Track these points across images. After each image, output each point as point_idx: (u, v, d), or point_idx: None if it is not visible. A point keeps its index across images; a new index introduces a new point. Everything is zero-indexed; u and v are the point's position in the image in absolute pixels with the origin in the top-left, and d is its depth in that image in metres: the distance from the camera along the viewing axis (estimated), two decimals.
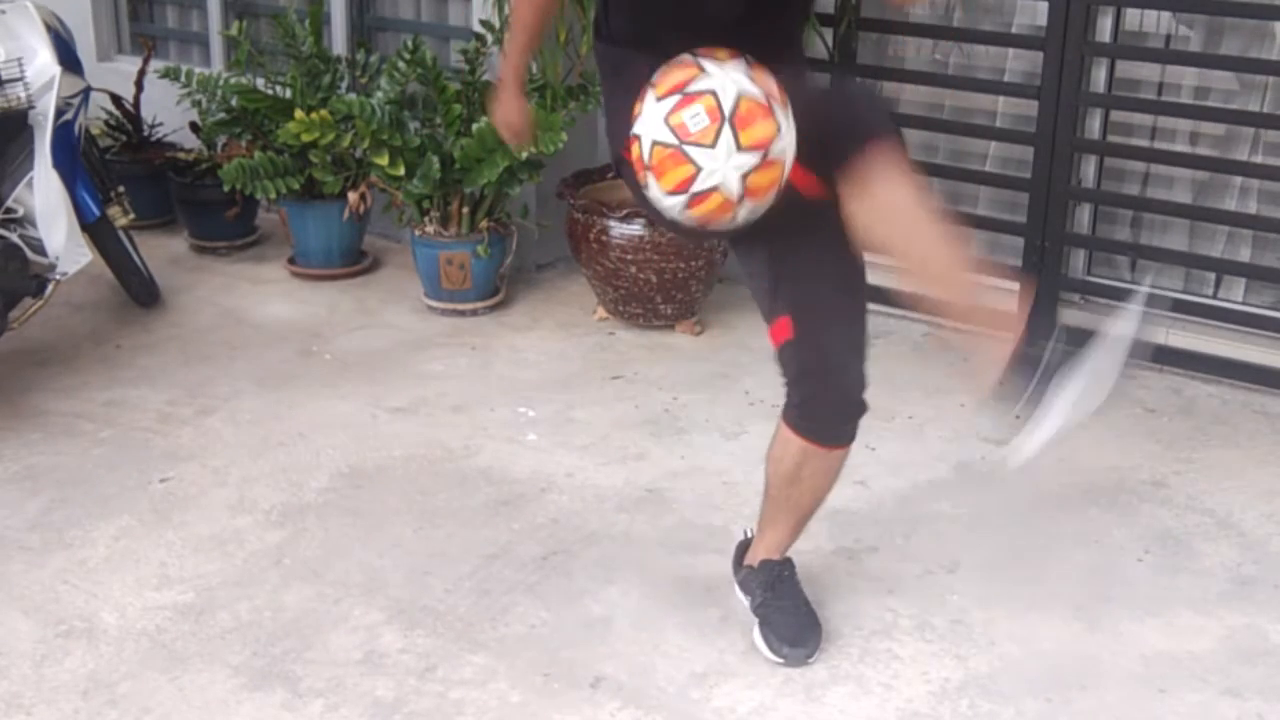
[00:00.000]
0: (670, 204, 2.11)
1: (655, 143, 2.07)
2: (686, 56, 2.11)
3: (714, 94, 2.05)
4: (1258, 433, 3.50)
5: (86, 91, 3.86)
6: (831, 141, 2.16)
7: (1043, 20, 3.85)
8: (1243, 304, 3.88)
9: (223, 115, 4.53)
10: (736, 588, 2.66)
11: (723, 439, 3.43)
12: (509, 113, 2.60)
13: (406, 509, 3.09)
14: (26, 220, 3.62)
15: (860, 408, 2.47)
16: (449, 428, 3.48)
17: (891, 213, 2.19)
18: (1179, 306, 3.87)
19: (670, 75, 2.10)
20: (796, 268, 2.40)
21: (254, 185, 4.28)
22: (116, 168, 4.46)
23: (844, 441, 2.50)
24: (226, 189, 4.34)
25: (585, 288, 4.27)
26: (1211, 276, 3.92)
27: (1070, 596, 2.76)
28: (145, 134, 4.93)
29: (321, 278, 4.52)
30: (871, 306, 4.10)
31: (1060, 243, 3.94)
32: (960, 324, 2.36)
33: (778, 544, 2.62)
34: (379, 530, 3.00)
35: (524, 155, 3.92)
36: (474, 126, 3.99)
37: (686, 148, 2.05)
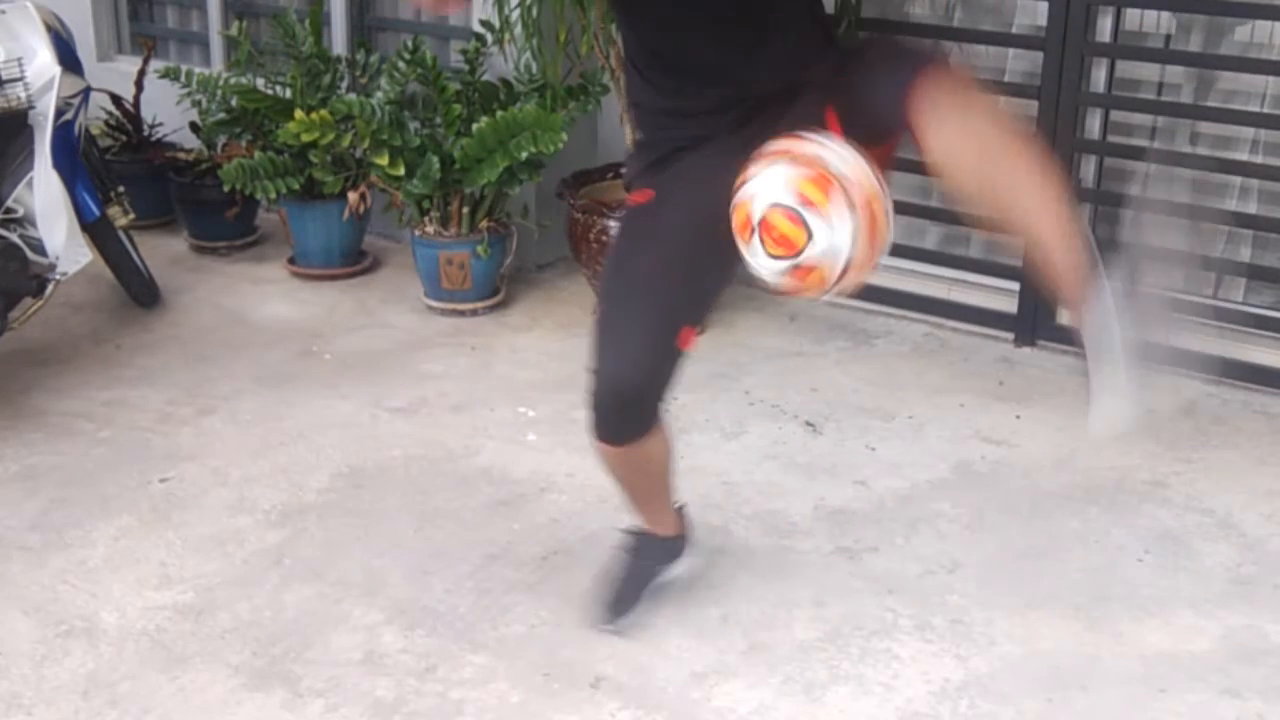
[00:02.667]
0: (770, 267, 2.08)
1: (775, 205, 2.04)
2: (813, 135, 2.09)
3: (842, 181, 2.03)
4: (1258, 433, 3.50)
5: (86, 91, 3.86)
6: (881, 103, 2.09)
7: (1043, 20, 3.85)
8: (1243, 304, 3.88)
9: (223, 115, 4.53)
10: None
11: (723, 439, 3.43)
12: None
13: (406, 509, 3.09)
14: (26, 220, 3.62)
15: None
16: (449, 428, 3.48)
17: (969, 142, 2.06)
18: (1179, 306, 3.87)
19: (800, 146, 2.07)
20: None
21: (254, 185, 4.28)
22: (116, 168, 4.45)
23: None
24: (226, 189, 4.34)
25: (585, 288, 4.27)
26: (1211, 276, 3.92)
27: (1070, 596, 2.76)
28: (145, 134, 4.93)
29: (321, 278, 4.52)
30: (871, 306, 4.17)
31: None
32: (1058, 267, 2.22)
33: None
34: (379, 530, 3.00)
35: (524, 155, 3.92)
36: (474, 126, 3.99)
37: (809, 216, 2.02)
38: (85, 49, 4.41)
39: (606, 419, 2.41)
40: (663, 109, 2.36)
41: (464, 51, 4.22)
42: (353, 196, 4.37)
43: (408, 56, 4.24)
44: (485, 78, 4.23)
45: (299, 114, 4.17)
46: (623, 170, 2.46)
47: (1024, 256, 2.21)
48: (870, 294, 4.16)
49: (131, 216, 4.15)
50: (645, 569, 2.68)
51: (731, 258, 2.16)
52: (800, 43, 2.31)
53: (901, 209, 2.51)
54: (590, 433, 2.45)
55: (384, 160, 4.09)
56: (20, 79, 3.55)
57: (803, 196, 2.01)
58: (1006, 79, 4.07)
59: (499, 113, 3.98)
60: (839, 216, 2.02)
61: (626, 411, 2.41)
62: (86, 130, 3.94)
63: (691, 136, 2.32)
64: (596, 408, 2.42)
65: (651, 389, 2.40)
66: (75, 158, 3.77)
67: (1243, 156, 3.82)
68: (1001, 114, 2.15)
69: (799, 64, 2.27)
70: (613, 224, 3.97)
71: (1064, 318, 2.30)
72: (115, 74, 5.11)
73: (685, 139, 2.33)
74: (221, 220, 4.68)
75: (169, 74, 4.54)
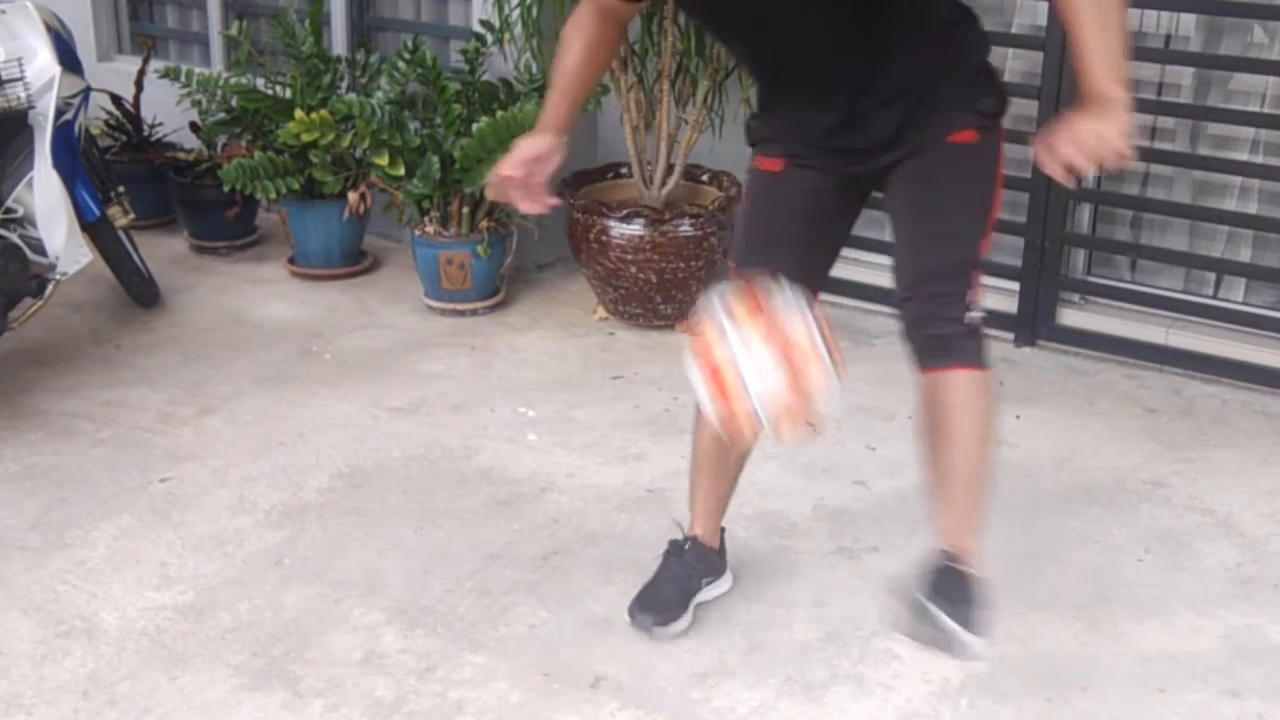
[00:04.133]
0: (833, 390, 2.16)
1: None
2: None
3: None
4: (1258, 433, 3.50)
5: (86, 91, 3.86)
6: (913, 319, 2.28)
7: (1043, 20, 3.85)
8: (1243, 304, 3.88)
9: (223, 115, 4.53)
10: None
11: None
12: (523, 150, 2.39)
13: (406, 509, 3.09)
14: (26, 220, 3.62)
15: None
16: (449, 428, 3.48)
17: (945, 422, 2.27)
18: (1179, 306, 3.88)
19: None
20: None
21: (254, 185, 4.28)
22: (116, 168, 4.45)
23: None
24: (226, 189, 4.34)
25: (585, 288, 4.27)
26: (1211, 276, 3.92)
27: (1070, 596, 2.76)
28: (145, 134, 4.93)
29: (321, 278, 4.52)
30: (871, 306, 4.17)
31: (1060, 243, 3.94)
32: (938, 528, 2.32)
33: None
34: (379, 530, 3.00)
35: None
36: (474, 126, 3.99)
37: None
38: (85, 49, 4.42)
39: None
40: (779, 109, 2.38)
41: (464, 51, 4.22)
42: (353, 196, 4.37)
43: (408, 56, 4.24)
44: (485, 78, 4.23)
45: (299, 114, 4.17)
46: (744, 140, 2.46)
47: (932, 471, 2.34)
48: (870, 294, 4.17)
49: (131, 216, 4.15)
50: (687, 576, 2.66)
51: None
52: (927, 53, 2.26)
53: None
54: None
55: (384, 160, 4.10)
56: (20, 79, 3.55)
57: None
58: (1006, 79, 4.06)
59: (499, 113, 3.98)
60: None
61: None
62: (86, 130, 3.94)
63: (807, 140, 2.34)
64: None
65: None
66: (75, 158, 3.77)
67: (1243, 156, 3.82)
68: (986, 428, 2.30)
69: (918, 79, 2.25)
70: (613, 224, 3.97)
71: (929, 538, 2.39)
72: (115, 74, 5.11)
73: (801, 144, 2.35)
74: (221, 220, 4.68)
75: (169, 74, 4.55)
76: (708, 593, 2.70)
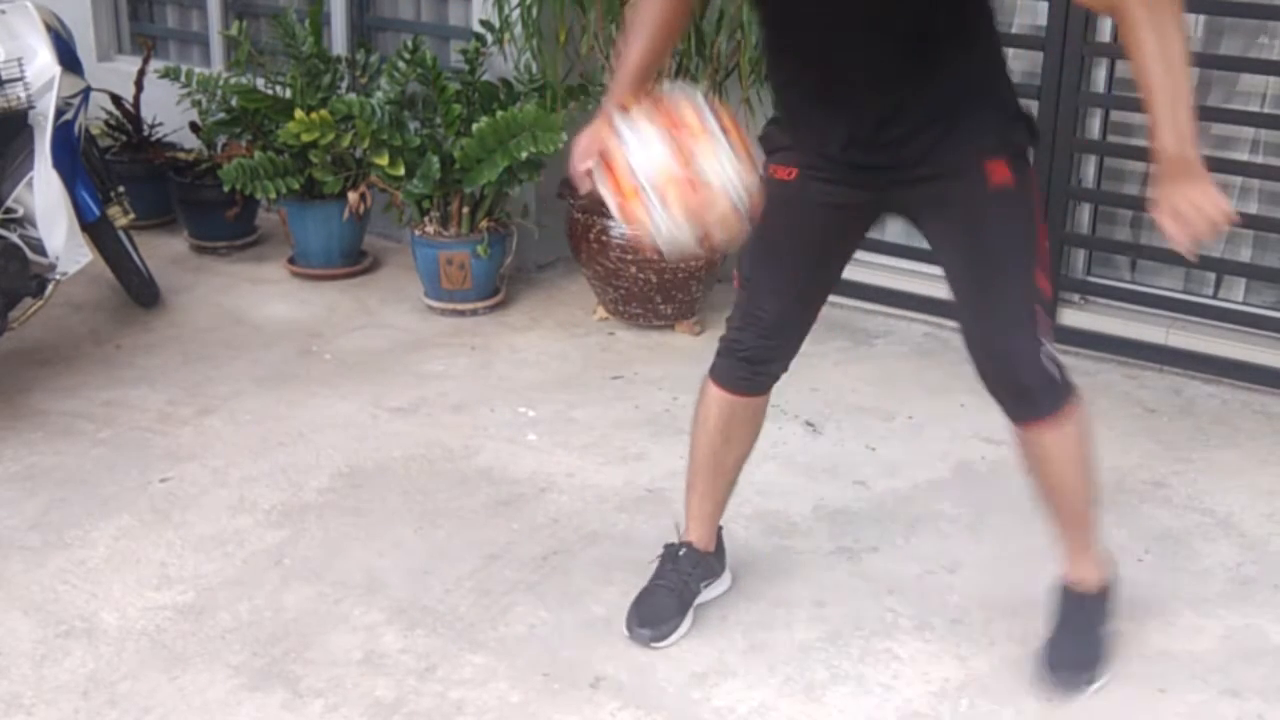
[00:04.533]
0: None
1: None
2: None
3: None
4: (1258, 433, 3.50)
5: (86, 91, 3.86)
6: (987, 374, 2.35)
7: (1043, 20, 3.85)
8: (1243, 304, 3.88)
9: (223, 115, 4.53)
10: None
11: None
12: (594, 139, 2.29)
13: (406, 509, 3.09)
14: (26, 220, 3.62)
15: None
16: (449, 428, 3.48)
17: (1048, 471, 2.43)
18: (1179, 306, 3.88)
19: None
20: None
21: (254, 185, 4.28)
22: (116, 168, 4.45)
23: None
24: (226, 189, 4.34)
25: (585, 288, 4.27)
26: (1211, 276, 3.92)
27: None
28: (145, 134, 4.93)
29: (321, 278, 4.52)
30: (871, 306, 4.17)
31: (1060, 243, 3.94)
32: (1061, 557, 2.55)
33: None
34: (379, 530, 3.00)
35: (524, 155, 3.92)
36: (474, 126, 3.99)
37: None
38: (85, 49, 4.42)
39: (742, 350, 2.52)
40: (801, 117, 2.37)
41: (464, 51, 4.22)
42: (353, 196, 4.37)
43: (408, 56, 4.24)
44: (485, 78, 4.23)
45: (299, 114, 4.17)
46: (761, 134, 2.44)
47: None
48: (870, 294, 4.17)
49: (131, 216, 4.15)
50: (684, 583, 2.65)
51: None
52: (957, 82, 2.23)
53: None
54: (712, 374, 2.56)
55: (384, 160, 4.10)
56: (20, 79, 3.55)
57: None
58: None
59: (499, 113, 3.99)
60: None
61: (765, 348, 2.51)
62: (86, 130, 3.94)
63: (823, 157, 2.32)
64: (736, 341, 2.52)
65: (792, 339, 2.55)
66: (75, 158, 3.77)
67: (1243, 156, 3.82)
68: (1086, 461, 2.44)
69: (952, 107, 2.23)
70: (613, 224, 3.97)
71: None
72: (115, 74, 5.11)
73: (819, 156, 2.33)
74: (221, 220, 4.68)
75: (169, 74, 4.55)
76: (707, 594, 2.70)
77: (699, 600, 2.67)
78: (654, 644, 2.57)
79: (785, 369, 2.57)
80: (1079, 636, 2.51)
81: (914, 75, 2.18)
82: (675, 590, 2.63)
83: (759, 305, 2.48)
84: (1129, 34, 2.02)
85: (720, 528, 2.75)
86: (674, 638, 2.59)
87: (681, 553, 2.67)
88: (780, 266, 2.44)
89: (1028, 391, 2.32)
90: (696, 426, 2.60)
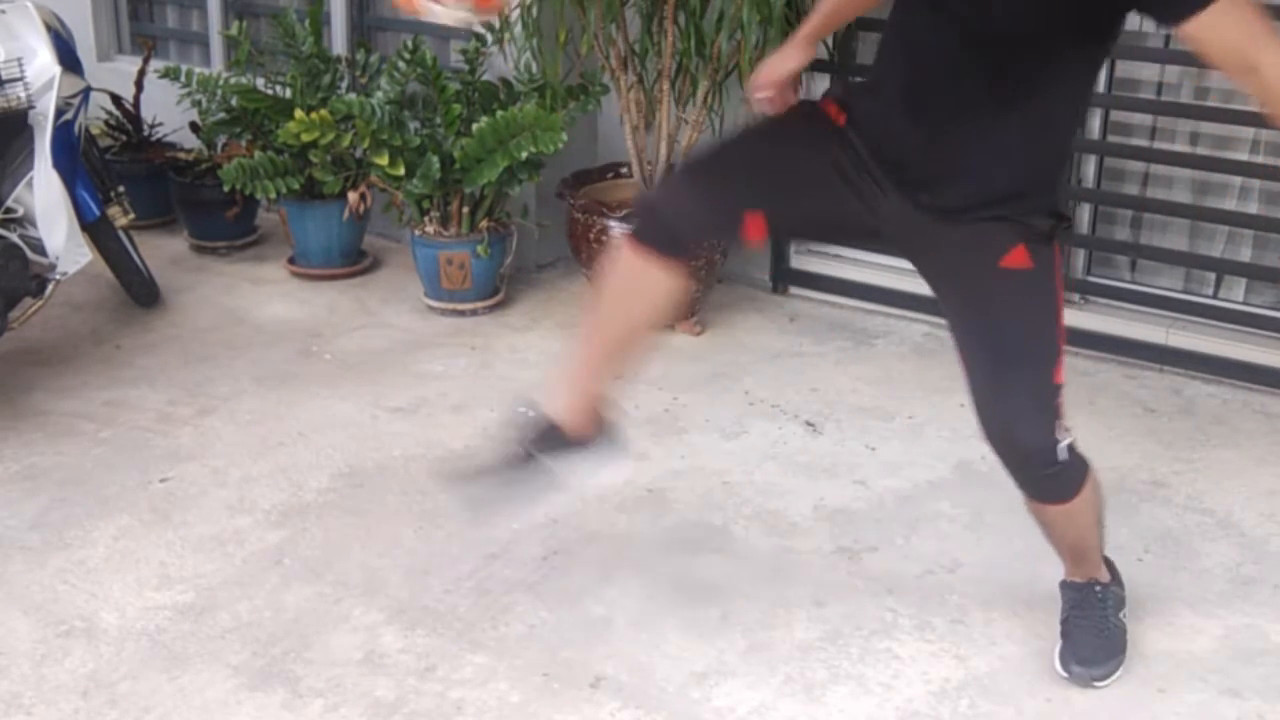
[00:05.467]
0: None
1: None
2: None
3: None
4: (1258, 433, 3.50)
5: (86, 91, 3.86)
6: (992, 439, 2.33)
7: None
8: (1243, 304, 3.88)
9: (223, 115, 4.53)
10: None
11: (722, 439, 3.43)
12: (775, 68, 2.36)
13: (406, 509, 3.09)
14: (26, 220, 3.61)
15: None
16: (449, 428, 3.48)
17: (1062, 534, 2.50)
18: (1179, 306, 3.87)
19: None
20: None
21: (254, 185, 4.28)
22: (116, 168, 4.45)
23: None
24: (226, 189, 4.34)
25: (585, 288, 4.27)
26: (1211, 276, 3.92)
27: None
28: (145, 134, 4.93)
29: (321, 278, 4.52)
30: (871, 306, 4.17)
31: (1060, 242, 3.93)
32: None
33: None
34: (379, 530, 3.00)
35: (524, 155, 3.92)
36: (474, 126, 3.99)
37: None
38: (85, 49, 4.41)
39: (650, 216, 2.27)
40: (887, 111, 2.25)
41: (464, 51, 4.22)
42: (353, 196, 4.37)
43: (408, 56, 4.24)
44: (485, 78, 4.23)
45: (299, 114, 4.17)
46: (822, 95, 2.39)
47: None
48: (870, 294, 4.17)
49: (131, 216, 4.15)
50: (525, 452, 2.39)
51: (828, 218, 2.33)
52: (1037, 157, 2.21)
53: None
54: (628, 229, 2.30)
55: (384, 160, 4.09)
56: (20, 79, 3.55)
57: None
58: None
59: (499, 113, 3.98)
60: None
61: (672, 219, 2.23)
62: (86, 130, 3.94)
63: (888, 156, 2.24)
64: (669, 188, 2.41)
65: (701, 224, 2.27)
66: (75, 158, 3.77)
67: (1243, 156, 3.82)
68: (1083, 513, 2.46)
69: (1022, 177, 2.19)
70: (613, 224, 3.97)
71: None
72: (115, 74, 5.11)
73: (884, 151, 2.24)
74: (221, 220, 4.68)
75: (169, 74, 4.54)
76: (564, 467, 2.42)
77: (542, 465, 2.43)
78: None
79: (698, 247, 2.43)
80: (1101, 629, 2.54)
81: (998, 121, 2.13)
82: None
83: (719, 171, 2.28)
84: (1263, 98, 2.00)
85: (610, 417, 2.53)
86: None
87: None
88: (767, 154, 2.28)
89: (1040, 479, 2.34)
90: (600, 290, 2.39)
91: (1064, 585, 2.60)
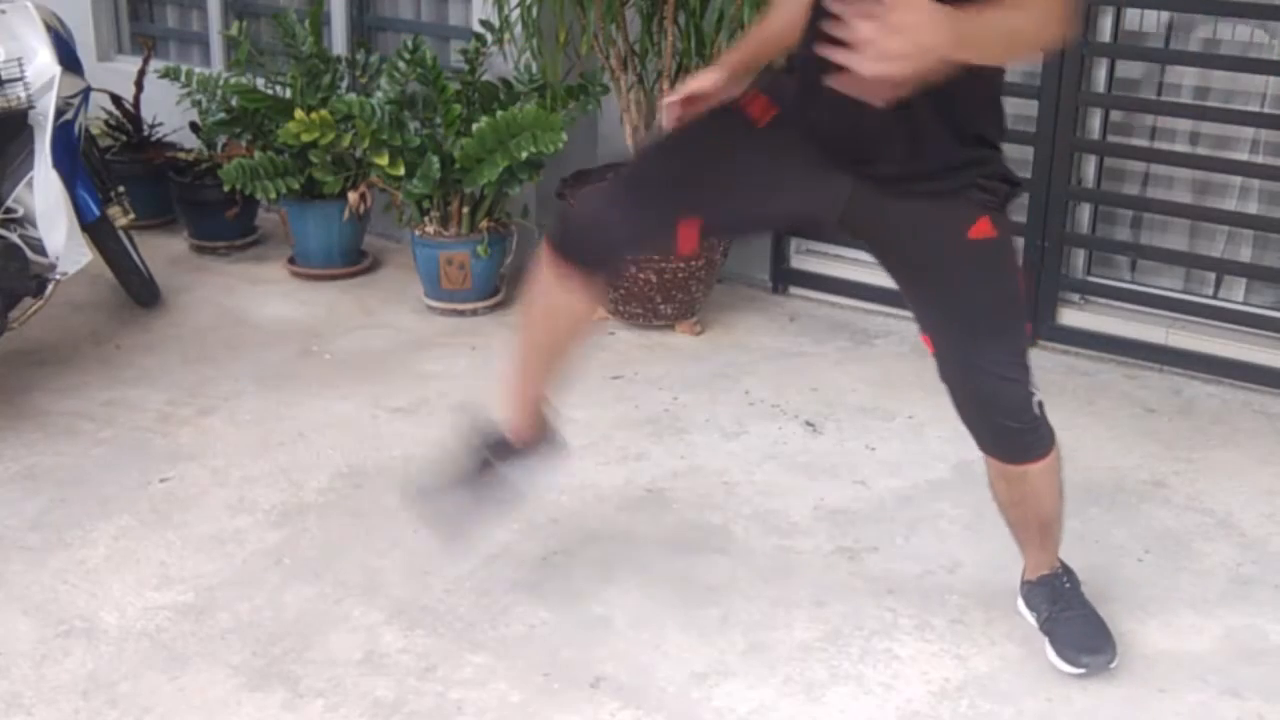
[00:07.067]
0: None
1: None
2: None
3: None
4: (1258, 433, 3.50)
5: (86, 91, 3.85)
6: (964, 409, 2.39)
7: None
8: (1243, 304, 3.88)
9: (223, 115, 4.53)
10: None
11: (723, 439, 3.43)
12: (691, 83, 2.34)
13: (406, 509, 3.09)
14: (26, 220, 3.61)
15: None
16: (449, 428, 3.48)
17: (1027, 500, 2.49)
18: (1179, 306, 3.88)
19: None
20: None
21: (254, 185, 4.28)
22: (116, 168, 4.45)
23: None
24: (226, 189, 4.34)
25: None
26: (1211, 276, 3.92)
27: None
28: (145, 134, 4.93)
29: (321, 278, 4.52)
30: (871, 306, 4.17)
31: (1060, 243, 3.94)
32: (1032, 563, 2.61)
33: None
34: (379, 530, 3.00)
35: (524, 155, 3.92)
36: (474, 126, 3.99)
37: None
38: (85, 49, 4.41)
39: (575, 231, 2.28)
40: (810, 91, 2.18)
41: (464, 51, 4.22)
42: (353, 196, 4.37)
43: (408, 56, 4.24)
44: (485, 78, 4.23)
45: (299, 114, 4.17)
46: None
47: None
48: (870, 294, 4.16)
49: (131, 216, 4.14)
50: (482, 462, 2.50)
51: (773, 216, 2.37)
52: (970, 117, 2.19)
53: None
54: (549, 243, 2.28)
55: (384, 160, 4.09)
56: (20, 79, 3.55)
57: None
58: (1007, 79, 4.06)
59: (499, 113, 3.99)
60: None
61: (598, 233, 2.24)
62: (86, 130, 3.94)
63: (825, 138, 2.19)
64: (573, 217, 2.39)
65: (629, 238, 2.28)
66: (75, 158, 3.77)
67: (1243, 156, 3.82)
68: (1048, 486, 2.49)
69: (962, 130, 2.18)
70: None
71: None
72: (115, 74, 5.11)
73: (819, 134, 2.19)
74: (221, 220, 4.68)
75: (169, 74, 4.55)
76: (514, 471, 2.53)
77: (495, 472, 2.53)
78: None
79: (621, 266, 2.47)
80: (1083, 616, 2.55)
81: (949, 79, 2.04)
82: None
83: (639, 188, 2.27)
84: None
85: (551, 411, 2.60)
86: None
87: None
88: (693, 159, 2.25)
89: (1023, 437, 2.36)
90: (527, 303, 2.42)
91: (1032, 588, 2.60)
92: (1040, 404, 2.36)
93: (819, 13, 2.13)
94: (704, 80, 2.36)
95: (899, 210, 2.24)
